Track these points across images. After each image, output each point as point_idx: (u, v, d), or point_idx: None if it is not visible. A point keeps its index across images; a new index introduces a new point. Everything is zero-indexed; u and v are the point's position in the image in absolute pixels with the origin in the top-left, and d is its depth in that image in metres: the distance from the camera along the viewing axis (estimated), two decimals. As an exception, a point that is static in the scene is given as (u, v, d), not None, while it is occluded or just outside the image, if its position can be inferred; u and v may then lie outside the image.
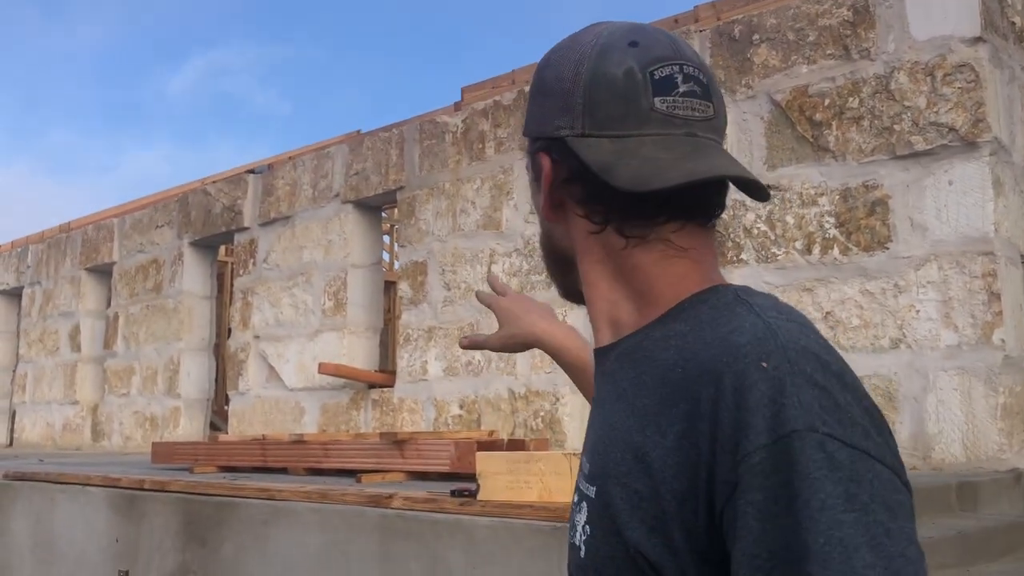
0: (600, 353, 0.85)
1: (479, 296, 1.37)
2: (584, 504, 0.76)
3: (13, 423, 9.84)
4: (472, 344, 1.31)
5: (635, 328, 0.81)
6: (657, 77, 0.78)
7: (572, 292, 0.92)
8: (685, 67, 0.80)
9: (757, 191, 0.80)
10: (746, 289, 0.79)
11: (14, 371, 10.08)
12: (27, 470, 4.28)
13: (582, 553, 0.75)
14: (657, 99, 0.78)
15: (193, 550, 3.12)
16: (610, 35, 0.81)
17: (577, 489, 0.80)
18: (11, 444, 9.78)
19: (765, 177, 4.32)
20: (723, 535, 0.66)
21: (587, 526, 0.74)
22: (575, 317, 5.19)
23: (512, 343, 1.27)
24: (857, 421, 0.66)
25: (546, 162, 0.83)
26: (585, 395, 1.27)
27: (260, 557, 2.88)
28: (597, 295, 0.85)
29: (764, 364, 0.68)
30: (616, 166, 0.77)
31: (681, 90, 0.79)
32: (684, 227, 0.81)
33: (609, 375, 0.82)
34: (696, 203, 0.81)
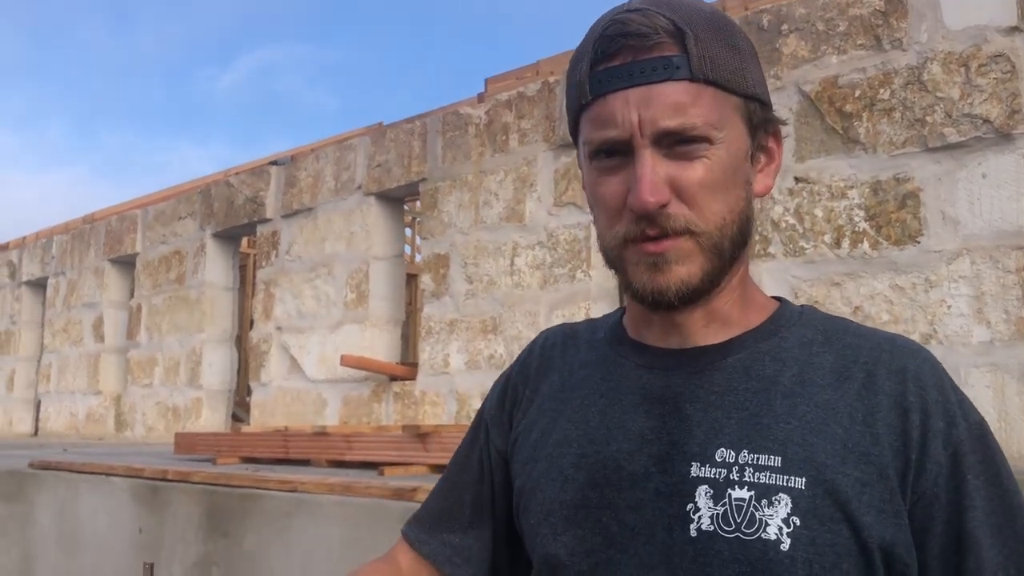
0: (706, 351, 0.84)
1: None
2: (784, 497, 0.74)
3: (38, 413, 9.92)
4: None
5: (741, 326, 0.85)
6: None
7: (714, 282, 0.82)
8: None
9: None
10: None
11: (39, 361, 10.16)
12: (52, 459, 4.29)
13: (785, 546, 0.73)
14: None
15: (216, 541, 3.12)
16: None
17: (744, 483, 0.75)
18: (36, 433, 9.87)
19: (794, 169, 4.26)
20: (921, 510, 0.77)
21: (793, 518, 0.74)
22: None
23: None
24: None
25: (779, 128, 0.87)
26: None
27: (283, 549, 2.87)
28: (738, 281, 0.86)
29: (937, 366, 0.82)
30: None
31: None
32: None
33: (739, 372, 0.82)
34: None
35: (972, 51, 3.83)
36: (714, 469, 0.76)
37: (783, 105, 4.40)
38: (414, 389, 6.02)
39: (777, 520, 0.73)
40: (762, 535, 0.73)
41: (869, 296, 4.01)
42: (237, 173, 7.96)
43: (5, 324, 10.62)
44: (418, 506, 2.49)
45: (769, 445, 0.76)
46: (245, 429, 4.86)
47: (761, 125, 0.83)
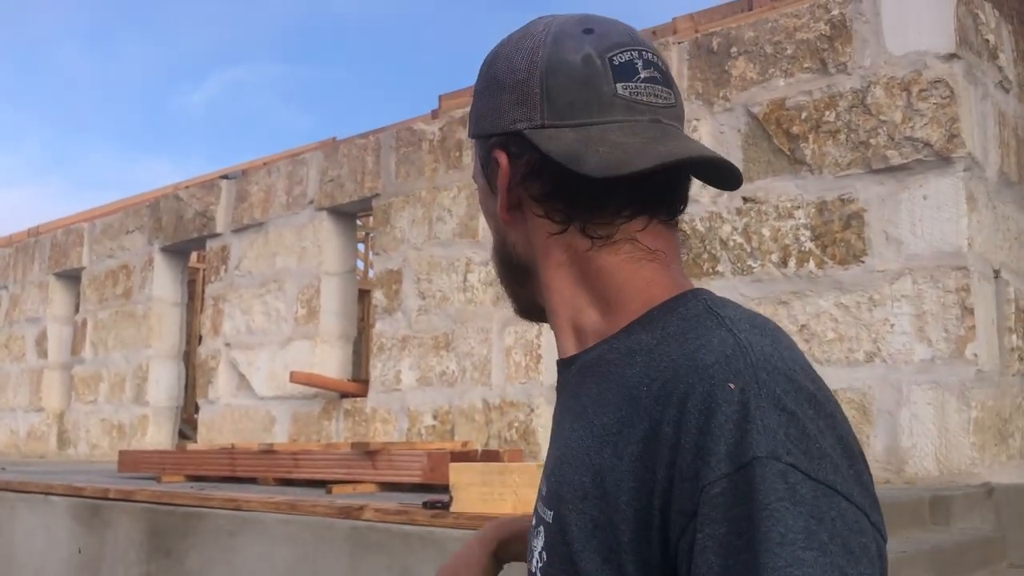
0: (562, 364, 0.81)
1: None
2: (541, 529, 0.72)
3: (-24, 430, 9.64)
4: None
5: (600, 338, 0.76)
6: (617, 63, 0.74)
7: (529, 306, 0.86)
8: (644, 53, 0.76)
9: (729, 176, 0.76)
10: (719, 299, 0.74)
11: (-22, 377, 9.88)
12: (-12, 478, 4.17)
13: None
14: (619, 85, 0.74)
15: (158, 561, 3.05)
16: (563, 23, 0.77)
17: (536, 512, 0.76)
18: (-26, 451, 9.59)
19: (742, 189, 4.32)
20: (676, 568, 0.61)
21: (543, 553, 0.71)
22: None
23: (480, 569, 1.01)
24: (826, 452, 0.61)
25: (503, 159, 0.77)
26: None
27: (227, 569, 2.82)
28: (560, 301, 0.79)
29: (731, 385, 0.63)
30: (583, 154, 0.72)
31: (642, 76, 0.75)
32: (649, 224, 0.76)
33: (570, 389, 0.77)
34: (660, 195, 0.77)
35: (913, 76, 3.93)
36: (540, 494, 0.78)
37: (732, 126, 4.48)
38: (365, 406, 5.97)
39: (536, 553, 0.73)
40: (531, 567, 0.74)
41: (815, 315, 4.08)
42: (187, 187, 7.85)
43: (-57, 339, 10.32)
44: (366, 525, 2.47)
45: (547, 474, 0.75)
46: (191, 447, 4.78)
47: (485, 158, 0.81)
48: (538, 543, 0.72)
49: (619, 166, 0.70)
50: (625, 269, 0.76)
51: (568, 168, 0.72)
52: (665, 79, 0.77)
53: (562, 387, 0.80)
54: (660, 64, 0.77)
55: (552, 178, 0.75)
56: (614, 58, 0.74)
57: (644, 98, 0.74)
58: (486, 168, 0.81)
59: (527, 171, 0.76)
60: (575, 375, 0.77)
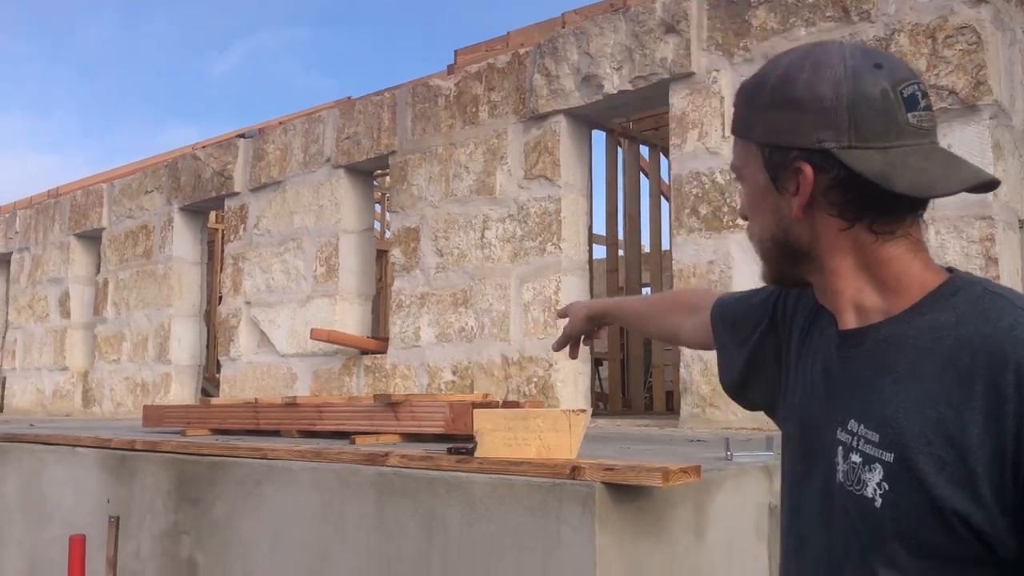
0: (848, 335, 1.03)
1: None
2: (878, 466, 0.95)
3: (3, 390, 9.79)
4: (560, 344, 1.72)
5: (884, 314, 1.00)
6: (905, 95, 0.95)
7: (788, 278, 1.10)
8: (920, 85, 0.97)
9: (990, 188, 0.97)
10: (985, 280, 0.98)
11: (3, 338, 10.01)
12: (17, 432, 4.24)
13: (877, 504, 0.94)
14: (910, 115, 0.95)
15: (185, 510, 3.10)
16: (853, 55, 0.98)
17: (858, 451, 0.98)
18: (1, 410, 9.75)
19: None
20: (1022, 490, 0.86)
21: (884, 483, 0.94)
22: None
23: (579, 323, 1.69)
24: None
25: (808, 170, 0.98)
26: (648, 332, 1.70)
27: (253, 516, 2.86)
28: (845, 284, 1.03)
29: None
30: (892, 175, 0.93)
31: (921, 105, 0.96)
32: (916, 221, 1.00)
33: (869, 357, 1.00)
34: (927, 200, 0.98)
35: (939, 22, 3.86)
36: (846, 435, 0.99)
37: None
38: (385, 363, 6.01)
39: (872, 483, 0.95)
40: (864, 493, 0.96)
41: (836, 266, 4.05)
42: (204, 147, 7.86)
43: (-33, 301, 10.44)
44: (392, 471, 2.51)
45: (875, 423, 0.96)
46: (215, 401, 4.82)
47: (780, 164, 1.01)
48: (873, 475, 0.95)
49: (929, 188, 0.94)
50: (904, 259, 0.99)
51: (876, 184, 0.93)
52: (930, 104, 0.98)
53: (852, 355, 1.02)
54: (927, 92, 0.98)
55: (856, 190, 0.96)
56: (903, 91, 0.96)
57: (924, 124, 0.96)
58: (775, 171, 1.02)
59: (832, 183, 0.98)
60: (874, 345, 0.99)
